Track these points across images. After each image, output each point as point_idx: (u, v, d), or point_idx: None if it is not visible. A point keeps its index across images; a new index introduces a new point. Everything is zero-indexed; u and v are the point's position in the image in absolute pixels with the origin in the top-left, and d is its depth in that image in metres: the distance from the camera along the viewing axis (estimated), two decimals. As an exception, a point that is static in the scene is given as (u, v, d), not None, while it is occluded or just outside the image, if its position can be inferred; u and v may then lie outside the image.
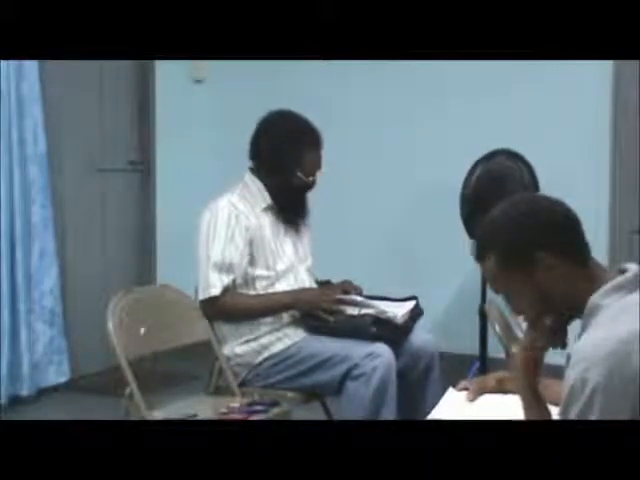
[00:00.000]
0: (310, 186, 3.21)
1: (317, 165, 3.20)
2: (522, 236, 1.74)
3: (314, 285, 3.27)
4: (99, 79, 4.94)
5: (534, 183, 4.23)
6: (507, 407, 2.06)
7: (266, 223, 3.17)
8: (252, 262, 3.12)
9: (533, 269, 1.73)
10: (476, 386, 2.28)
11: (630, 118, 4.42)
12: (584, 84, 4.52)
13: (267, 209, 3.18)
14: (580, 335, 1.69)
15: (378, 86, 5.01)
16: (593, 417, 1.55)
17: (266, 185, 3.19)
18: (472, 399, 2.24)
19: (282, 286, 3.15)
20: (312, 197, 3.35)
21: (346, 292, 3.18)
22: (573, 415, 1.58)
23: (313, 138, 3.19)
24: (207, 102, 5.43)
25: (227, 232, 3.07)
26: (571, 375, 1.59)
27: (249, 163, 3.26)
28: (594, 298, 1.68)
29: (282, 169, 3.15)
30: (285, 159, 3.14)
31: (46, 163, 4.44)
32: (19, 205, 4.30)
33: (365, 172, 5.04)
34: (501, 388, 2.26)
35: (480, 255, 1.80)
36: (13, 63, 4.23)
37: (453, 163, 4.58)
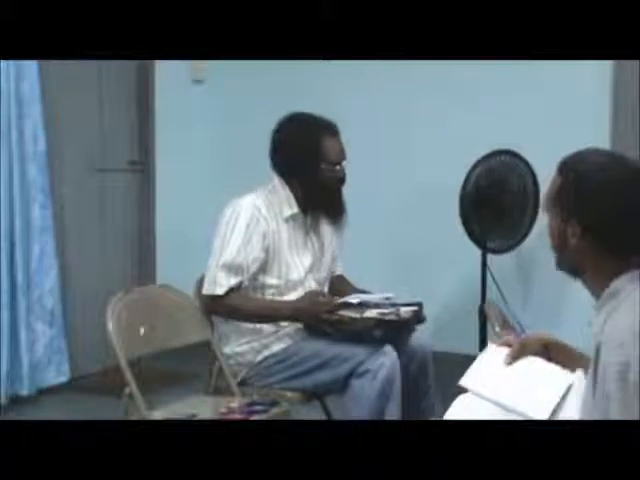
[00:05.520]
0: (338, 178, 3.15)
1: (338, 151, 3.14)
2: (592, 203, 1.77)
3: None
4: (99, 79, 4.94)
5: (534, 182, 4.24)
6: (546, 377, 1.98)
7: (286, 233, 3.12)
8: (264, 269, 3.08)
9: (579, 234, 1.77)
10: (518, 347, 2.07)
11: (630, 118, 4.42)
12: (583, 84, 4.52)
13: (290, 218, 3.13)
14: (605, 318, 1.72)
15: (378, 86, 5.01)
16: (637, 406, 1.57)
17: (294, 190, 3.13)
18: (511, 361, 2.05)
19: (290, 298, 3.11)
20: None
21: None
22: (617, 402, 1.59)
23: (326, 126, 3.14)
24: (207, 102, 5.44)
25: (245, 234, 3.03)
26: (612, 360, 1.61)
27: (275, 177, 3.18)
28: (617, 283, 1.73)
29: (303, 163, 3.09)
30: (303, 152, 3.09)
31: (46, 163, 4.44)
32: (19, 205, 4.30)
33: (365, 172, 5.04)
34: (545, 353, 2.07)
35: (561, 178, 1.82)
36: (13, 63, 4.23)
37: (453, 163, 4.58)
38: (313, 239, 3.21)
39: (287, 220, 3.13)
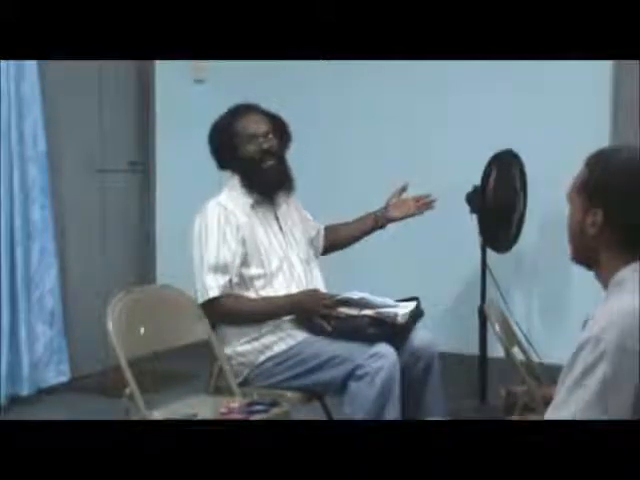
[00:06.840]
0: (265, 149, 3.17)
1: (255, 123, 3.20)
2: (615, 191, 1.76)
3: (311, 275, 3.24)
4: (99, 79, 4.94)
5: (524, 184, 4.25)
6: None
7: (257, 221, 3.16)
8: (246, 262, 3.11)
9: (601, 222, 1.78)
10: None
11: (630, 118, 4.43)
12: (584, 84, 4.52)
13: (255, 205, 3.18)
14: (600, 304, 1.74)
15: (378, 85, 5.02)
16: (594, 378, 1.59)
17: (245, 179, 3.19)
18: None
19: (279, 282, 3.13)
20: (312, 197, 3.34)
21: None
22: (578, 370, 1.61)
23: (237, 107, 3.25)
24: (207, 102, 5.42)
25: (218, 233, 3.07)
26: (586, 333, 1.64)
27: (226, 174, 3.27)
28: (622, 272, 1.74)
29: (230, 148, 3.19)
30: (225, 140, 3.20)
31: (46, 163, 4.44)
32: (19, 205, 4.30)
33: (365, 172, 5.04)
34: None
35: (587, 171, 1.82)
36: (13, 63, 4.23)
37: (453, 163, 4.59)
38: (281, 220, 3.24)
39: (253, 208, 3.17)
